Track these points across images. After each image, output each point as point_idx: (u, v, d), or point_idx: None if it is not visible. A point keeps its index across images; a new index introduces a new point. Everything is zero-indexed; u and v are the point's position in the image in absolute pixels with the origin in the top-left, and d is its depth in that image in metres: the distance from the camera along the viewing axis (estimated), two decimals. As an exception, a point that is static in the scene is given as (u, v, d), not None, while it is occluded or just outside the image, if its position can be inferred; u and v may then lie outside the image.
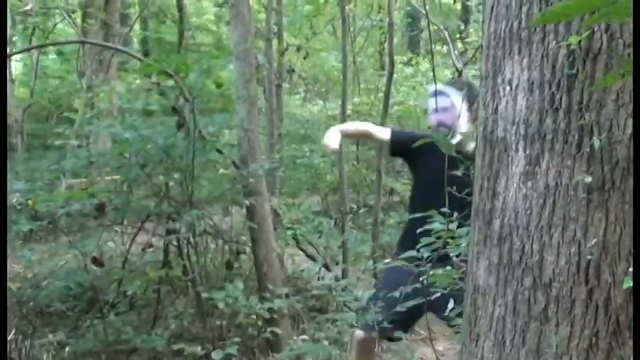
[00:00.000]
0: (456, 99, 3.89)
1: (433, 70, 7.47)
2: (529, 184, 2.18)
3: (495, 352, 2.28)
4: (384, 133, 4.18)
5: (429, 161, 3.86)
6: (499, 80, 2.28)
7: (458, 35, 12.17)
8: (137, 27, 16.82)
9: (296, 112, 14.66)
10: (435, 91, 3.96)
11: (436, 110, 3.89)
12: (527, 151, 2.18)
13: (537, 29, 2.15)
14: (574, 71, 2.09)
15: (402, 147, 4.06)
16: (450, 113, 3.88)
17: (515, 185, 2.22)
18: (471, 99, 3.90)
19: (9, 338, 5.23)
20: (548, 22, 1.31)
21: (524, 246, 2.20)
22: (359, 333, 3.81)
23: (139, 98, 6.04)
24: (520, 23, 2.20)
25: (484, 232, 2.34)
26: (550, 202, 2.14)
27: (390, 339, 3.95)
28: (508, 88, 2.24)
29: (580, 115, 2.09)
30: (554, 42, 2.12)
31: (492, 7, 2.32)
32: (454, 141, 3.74)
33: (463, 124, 3.89)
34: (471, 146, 3.79)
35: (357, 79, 10.30)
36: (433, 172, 3.74)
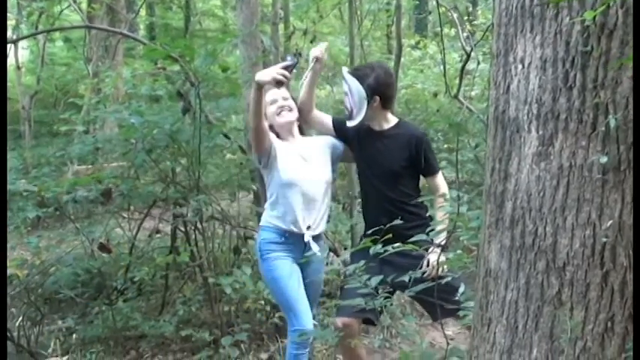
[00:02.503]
0: (354, 86, 3.94)
1: (442, 53, 7.41)
2: (542, 165, 2.13)
3: (507, 337, 2.24)
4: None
5: (361, 147, 4.08)
6: (511, 59, 2.22)
7: (466, 17, 12.04)
8: (143, 13, 16.75)
9: (303, 96, 14.54)
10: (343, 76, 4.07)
11: (345, 94, 4.00)
12: (540, 132, 2.12)
13: (550, 5, 2.09)
14: (589, 48, 2.03)
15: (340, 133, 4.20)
16: (348, 98, 3.97)
17: (527, 166, 2.16)
18: (369, 89, 3.92)
19: (17, 324, 5.23)
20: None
21: (537, 229, 2.15)
22: (338, 320, 3.86)
23: (144, 84, 5.99)
24: (532, -1, 2.14)
25: (496, 214, 2.29)
26: (564, 183, 2.09)
27: (369, 322, 4.02)
28: (520, 66, 2.18)
29: (595, 93, 2.03)
30: (567, 18, 2.06)
31: (503, -17, 2.25)
32: (349, 124, 3.97)
33: (357, 114, 3.94)
34: (387, 124, 4.03)
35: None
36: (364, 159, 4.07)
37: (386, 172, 3.95)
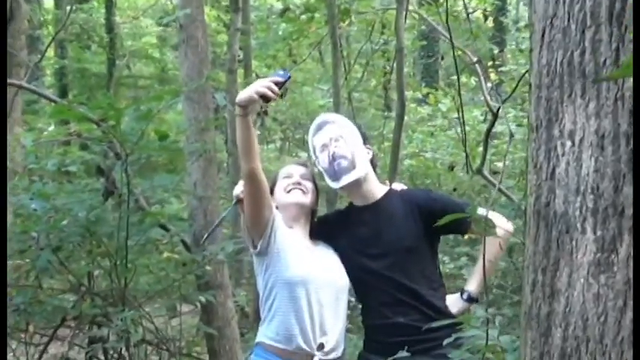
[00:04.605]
0: (347, 127, 4.08)
1: (460, 111, 7.50)
2: (602, 278, 2.13)
3: None
4: None
5: (348, 233, 4.11)
6: (556, 132, 2.25)
7: (490, 62, 12.28)
8: (51, 53, 16.91)
9: (270, 167, 14.62)
10: (319, 123, 4.13)
11: (325, 145, 4.05)
12: (599, 232, 2.13)
13: (608, 61, 2.13)
14: (661, 119, 2.06)
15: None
16: (344, 141, 4.03)
17: (582, 280, 2.16)
18: (363, 133, 4.15)
19: None
20: (629, 74, 1.27)
21: (597, 367, 2.14)
22: None
23: (52, 154, 5.98)
24: (583, 53, 2.18)
25: (539, 346, 2.28)
26: (633, 304, 2.09)
27: None
28: (569, 143, 2.20)
29: (673, 180, 2.05)
30: (631, 79, 2.09)
31: (544, 32, 2.29)
32: (355, 175, 3.97)
33: (360, 163, 4.01)
34: (379, 193, 4.07)
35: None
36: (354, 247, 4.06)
37: (394, 250, 3.93)
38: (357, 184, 3.99)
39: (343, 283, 3.99)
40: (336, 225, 4.15)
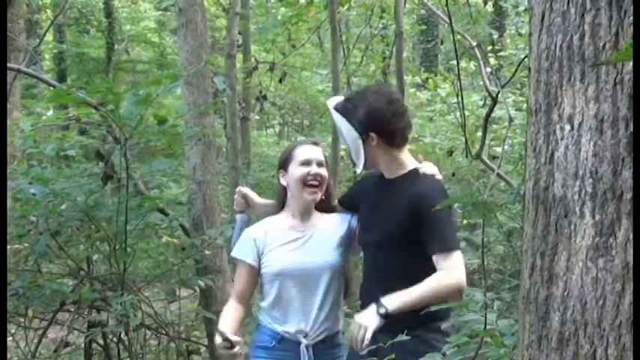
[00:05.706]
0: (340, 124, 3.97)
1: (459, 95, 7.47)
2: (601, 262, 2.12)
3: None
4: None
5: (363, 201, 4.16)
6: (555, 116, 2.24)
7: (490, 47, 12.25)
8: (50, 38, 16.87)
9: (269, 152, 14.59)
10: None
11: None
12: (598, 217, 2.13)
13: (607, 45, 2.12)
14: (661, 103, 2.05)
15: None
16: (342, 139, 4.08)
17: (580, 264, 2.16)
18: (360, 125, 3.93)
19: None
20: (629, 58, 1.26)
21: (595, 351, 2.13)
22: None
23: (50, 139, 5.97)
24: (582, 37, 2.17)
25: (538, 330, 2.28)
26: (631, 287, 2.09)
27: None
28: (568, 127, 2.20)
29: (671, 164, 2.05)
30: (631, 63, 2.09)
31: (543, 15, 2.29)
32: (356, 170, 4.07)
33: (357, 158, 3.97)
34: (398, 172, 4.00)
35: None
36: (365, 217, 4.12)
37: (385, 233, 3.91)
38: (371, 165, 4.00)
39: (329, 261, 4.03)
40: (361, 189, 4.23)
